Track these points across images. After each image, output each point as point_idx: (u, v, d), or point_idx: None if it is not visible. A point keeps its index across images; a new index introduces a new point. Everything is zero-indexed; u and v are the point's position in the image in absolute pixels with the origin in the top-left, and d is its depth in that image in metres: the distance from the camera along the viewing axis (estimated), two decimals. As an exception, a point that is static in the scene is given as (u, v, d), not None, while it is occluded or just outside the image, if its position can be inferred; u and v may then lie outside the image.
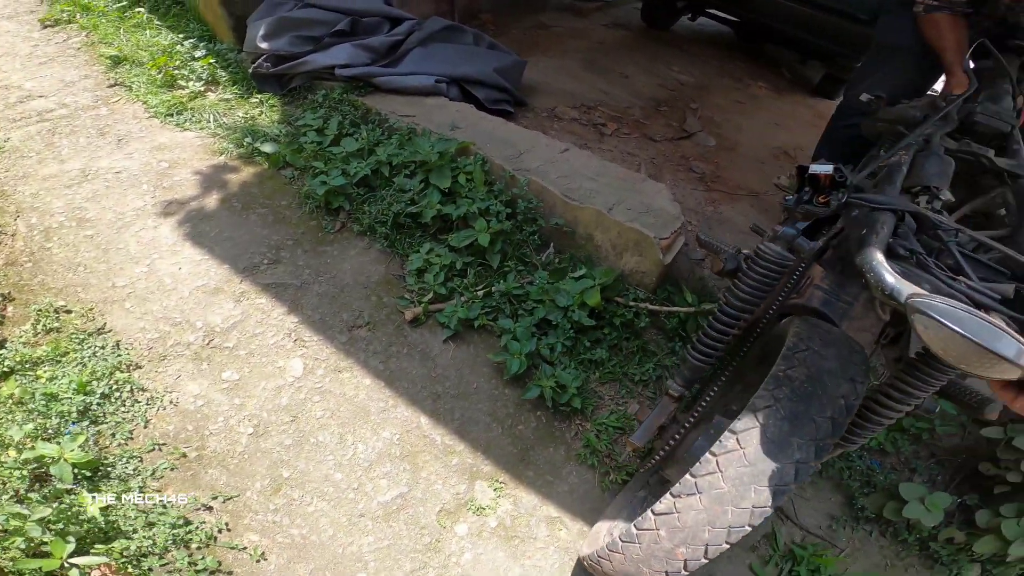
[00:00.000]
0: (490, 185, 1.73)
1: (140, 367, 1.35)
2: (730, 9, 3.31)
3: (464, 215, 1.65)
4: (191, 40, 2.37)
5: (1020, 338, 0.55)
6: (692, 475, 0.76)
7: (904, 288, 0.61)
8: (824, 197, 0.88)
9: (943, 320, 0.55)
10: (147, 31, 2.44)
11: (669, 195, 1.70)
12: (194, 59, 2.29)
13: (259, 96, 2.21)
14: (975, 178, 1.19)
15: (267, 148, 1.94)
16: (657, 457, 1.07)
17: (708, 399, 1.08)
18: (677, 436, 1.03)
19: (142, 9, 2.55)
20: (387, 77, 2.13)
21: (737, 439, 0.74)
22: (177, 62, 2.26)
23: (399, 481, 1.27)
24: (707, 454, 0.76)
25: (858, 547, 1.39)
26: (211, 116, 2.11)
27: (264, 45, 2.13)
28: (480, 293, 1.61)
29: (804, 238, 0.93)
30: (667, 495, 0.77)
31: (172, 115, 2.07)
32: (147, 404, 1.29)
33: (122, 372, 1.32)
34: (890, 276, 0.63)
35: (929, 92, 1.76)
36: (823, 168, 0.83)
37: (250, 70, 2.20)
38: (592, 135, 2.40)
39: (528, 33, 3.15)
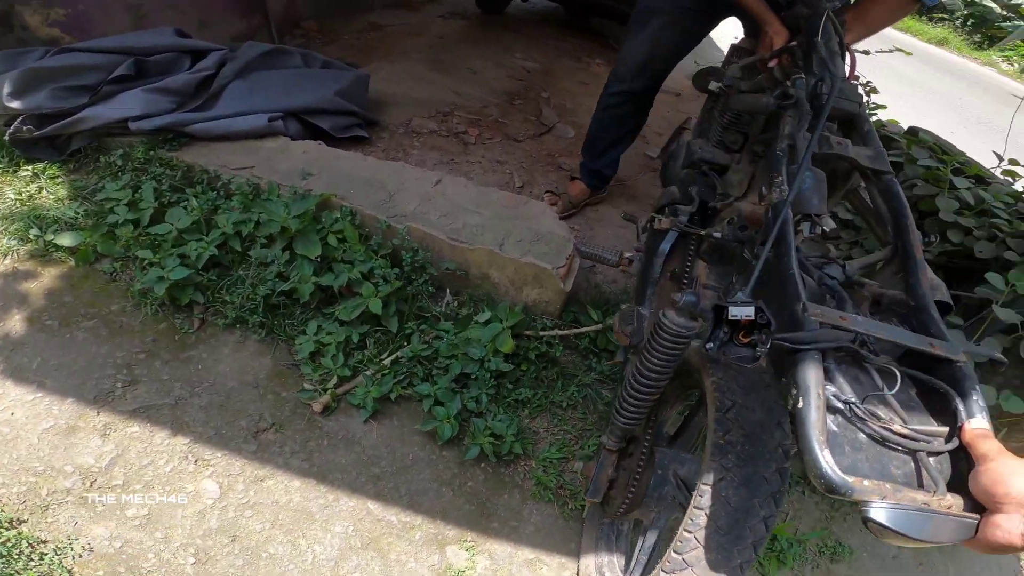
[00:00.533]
0: (367, 241, 1.56)
1: (24, 521, 1.11)
2: None
3: (347, 282, 1.48)
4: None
5: (966, 516, 0.61)
6: (678, 552, 0.79)
7: (855, 489, 0.61)
8: (746, 336, 0.84)
9: (899, 530, 0.59)
10: None
11: (553, 213, 1.69)
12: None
13: (31, 167, 1.72)
14: (832, 177, 1.16)
15: (66, 240, 1.53)
16: (621, 511, 1.09)
17: (646, 443, 1.11)
18: (633, 486, 1.06)
19: None
20: (204, 124, 1.79)
21: (706, 514, 0.78)
22: None
23: (371, 571, 1.20)
24: (683, 531, 0.80)
25: (799, 508, 1.56)
26: (-31, 205, 1.62)
27: (15, 105, 1.66)
28: (387, 363, 1.48)
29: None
30: (660, 572, 0.81)
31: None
32: (57, 554, 1.07)
33: (6, 529, 1.08)
34: (836, 475, 0.61)
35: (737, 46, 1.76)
36: (743, 312, 0.77)
37: (6, 136, 1.69)
38: (456, 147, 2.30)
39: (361, 37, 2.87)
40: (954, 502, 0.63)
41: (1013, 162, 2.15)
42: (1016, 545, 0.56)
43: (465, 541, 1.29)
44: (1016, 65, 8.37)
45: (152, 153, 1.74)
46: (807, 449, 0.62)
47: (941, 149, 2.30)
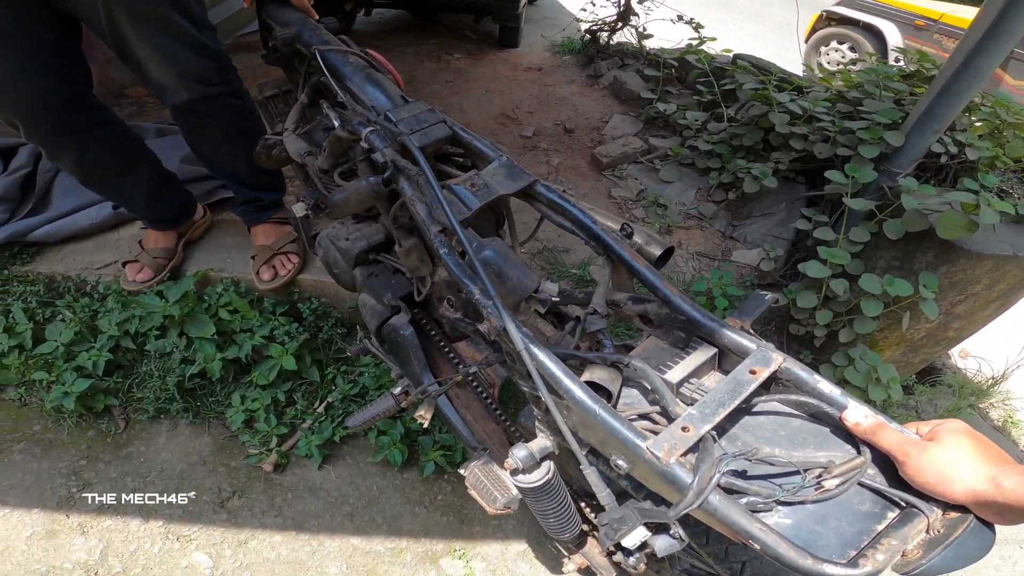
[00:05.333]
0: (259, 304, 1.65)
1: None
2: (383, 2, 3.53)
3: (251, 350, 1.57)
4: None
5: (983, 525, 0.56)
6: None
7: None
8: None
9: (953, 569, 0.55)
10: None
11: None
12: None
13: None
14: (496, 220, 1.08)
15: (-43, 380, 1.53)
16: None
17: None
18: None
19: None
20: (46, 228, 1.75)
21: None
22: None
23: (378, 601, 1.31)
24: None
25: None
26: None
27: None
28: (321, 410, 1.60)
29: None
30: None
31: None
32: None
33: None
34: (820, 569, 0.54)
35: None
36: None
37: None
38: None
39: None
40: (944, 517, 0.57)
41: (824, 70, 2.51)
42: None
43: (455, 551, 1.42)
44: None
45: (6, 272, 1.72)
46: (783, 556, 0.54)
47: (761, 70, 2.64)
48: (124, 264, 1.65)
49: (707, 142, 2.45)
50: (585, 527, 1.03)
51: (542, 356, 0.71)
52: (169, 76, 1.27)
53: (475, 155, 1.02)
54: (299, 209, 1.13)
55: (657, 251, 0.90)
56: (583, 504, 1.04)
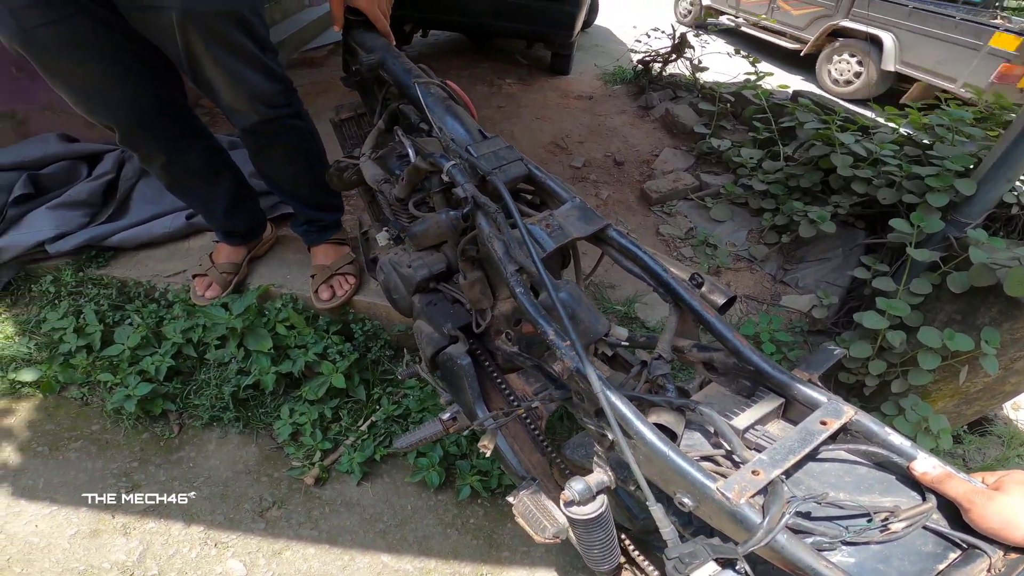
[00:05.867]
0: (315, 322, 1.71)
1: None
2: (443, 24, 3.60)
3: (304, 366, 1.63)
4: None
5: None
6: None
7: None
8: None
9: None
10: None
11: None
12: None
13: (-34, 307, 1.80)
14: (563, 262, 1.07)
15: (28, 376, 1.64)
16: None
17: None
18: None
19: None
20: (122, 235, 1.85)
21: None
22: None
23: (404, 619, 1.33)
24: None
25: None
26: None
27: None
28: (364, 428, 1.64)
29: None
30: None
31: None
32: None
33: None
34: None
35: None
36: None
37: None
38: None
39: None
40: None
41: (891, 109, 2.41)
42: None
43: (483, 575, 1.44)
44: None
45: (82, 274, 1.83)
46: None
47: (823, 108, 2.58)
48: (194, 276, 1.74)
49: (762, 181, 2.42)
50: (622, 559, 1.03)
51: (615, 399, 0.73)
52: (239, 99, 1.32)
53: (547, 194, 1.03)
54: (382, 238, 1.16)
55: (720, 300, 0.91)
56: (621, 536, 1.05)
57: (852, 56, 5.50)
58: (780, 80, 3.02)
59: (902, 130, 2.29)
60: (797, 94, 2.85)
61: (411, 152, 1.08)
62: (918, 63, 4.95)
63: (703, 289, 0.93)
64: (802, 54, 5.94)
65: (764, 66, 3.02)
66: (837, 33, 5.62)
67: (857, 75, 5.49)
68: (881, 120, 2.50)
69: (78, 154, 2.06)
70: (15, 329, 1.77)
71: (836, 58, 5.63)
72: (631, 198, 2.54)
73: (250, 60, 1.28)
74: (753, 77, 3.01)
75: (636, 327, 1.89)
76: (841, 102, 2.79)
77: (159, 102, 1.35)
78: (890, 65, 5.10)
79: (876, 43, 5.23)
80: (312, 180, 1.59)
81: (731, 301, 0.92)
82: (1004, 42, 4.32)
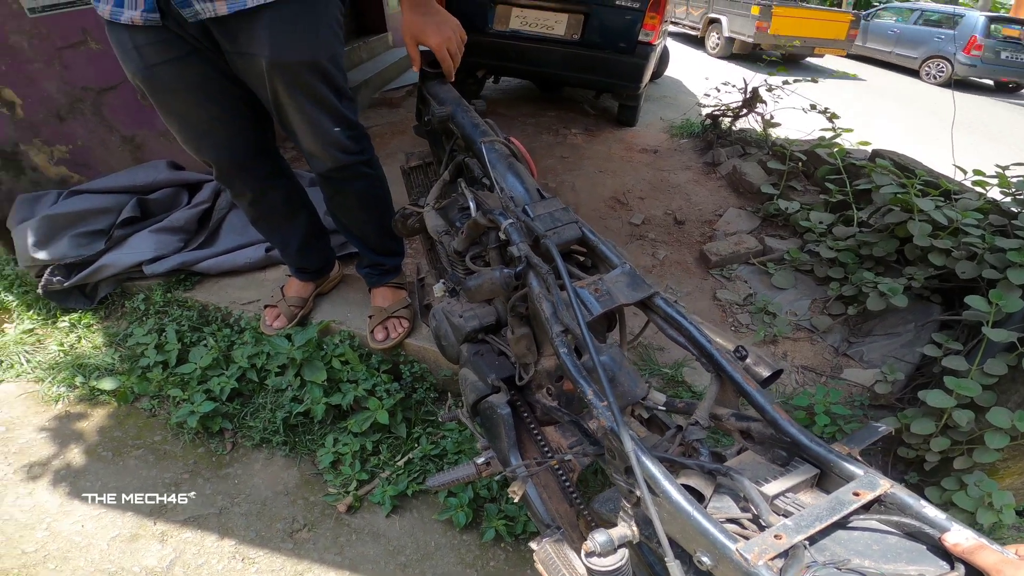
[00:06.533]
0: (367, 360, 1.80)
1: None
2: (514, 72, 3.75)
3: (353, 399, 1.72)
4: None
5: None
6: None
7: None
8: None
9: None
10: None
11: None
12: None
13: (68, 318, 2.04)
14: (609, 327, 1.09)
15: (108, 384, 1.82)
16: None
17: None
18: None
19: None
20: (209, 262, 2.05)
21: None
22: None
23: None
24: None
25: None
26: (22, 358, 1.93)
27: (41, 255, 1.95)
28: (401, 464, 1.70)
29: None
30: None
31: (-25, 368, 1.86)
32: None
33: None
34: None
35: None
36: None
37: (39, 290, 2.00)
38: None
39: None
40: None
41: (978, 172, 2.23)
42: None
43: None
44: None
45: (169, 295, 2.03)
46: None
47: (904, 169, 2.41)
48: (265, 307, 1.89)
49: (830, 248, 2.32)
50: None
51: (644, 458, 0.76)
52: (317, 145, 1.42)
53: (599, 258, 1.05)
54: (439, 289, 1.23)
55: (765, 373, 0.91)
56: None
57: (715, 32, 10.06)
58: (862, 136, 2.87)
59: (988, 194, 2.14)
60: (876, 153, 2.72)
61: (472, 206, 1.14)
62: (735, 29, 9.52)
63: (747, 361, 0.94)
64: (699, 36, 10.67)
65: (844, 121, 2.91)
66: (711, 20, 10.22)
67: (717, 44, 9.90)
68: (967, 183, 2.34)
69: (182, 182, 2.31)
70: (104, 340, 1.99)
71: (711, 35, 10.24)
72: (689, 259, 2.50)
73: (328, 108, 1.38)
74: (829, 134, 2.89)
75: (682, 391, 1.86)
76: (922, 163, 2.63)
77: (254, 144, 1.49)
78: (726, 32, 9.63)
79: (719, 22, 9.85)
80: (378, 226, 1.70)
81: (776, 374, 0.93)
82: (755, 10, 9.02)
